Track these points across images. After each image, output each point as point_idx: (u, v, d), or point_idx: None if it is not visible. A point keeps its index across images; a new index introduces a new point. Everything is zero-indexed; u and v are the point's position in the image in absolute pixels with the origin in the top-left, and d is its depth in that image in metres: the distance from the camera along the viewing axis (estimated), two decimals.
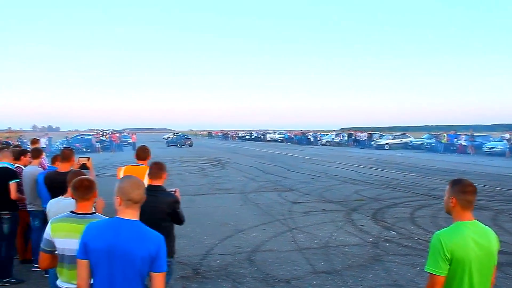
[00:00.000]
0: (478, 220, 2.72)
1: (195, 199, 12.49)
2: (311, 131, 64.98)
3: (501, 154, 30.08)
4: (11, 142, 18.48)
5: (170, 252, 4.25)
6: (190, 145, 50.06)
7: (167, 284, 4.46)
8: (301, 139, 57.06)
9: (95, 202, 4.08)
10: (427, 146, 37.78)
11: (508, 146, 30.09)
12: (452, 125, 55.00)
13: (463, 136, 34.71)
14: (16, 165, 6.82)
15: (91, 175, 6.02)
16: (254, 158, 29.92)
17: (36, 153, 7.00)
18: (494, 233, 2.76)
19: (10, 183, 6.21)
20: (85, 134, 51.59)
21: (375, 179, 17.07)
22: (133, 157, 6.05)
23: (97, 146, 40.11)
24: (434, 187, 14.52)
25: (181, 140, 52.18)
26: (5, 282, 6.06)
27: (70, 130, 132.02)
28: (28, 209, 6.61)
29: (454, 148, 33.84)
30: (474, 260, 2.56)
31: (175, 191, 4.55)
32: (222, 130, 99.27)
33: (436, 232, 2.69)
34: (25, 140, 33.93)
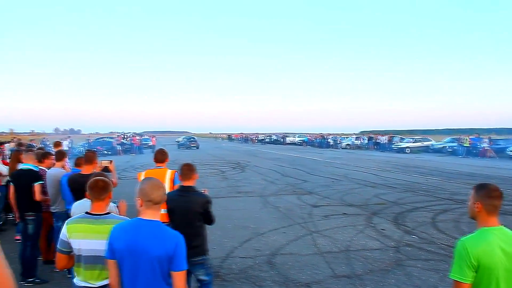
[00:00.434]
0: (503, 225, 2.67)
1: (215, 202, 12.39)
2: (330, 134, 64.56)
3: None
4: (34, 144, 18.73)
5: (204, 250, 4.36)
6: (197, 147, 52.58)
7: (211, 281, 4.52)
8: (321, 142, 56.85)
9: (116, 203, 4.14)
10: (448, 150, 37.29)
11: None
12: (474, 128, 54.20)
13: (486, 140, 34.17)
14: (40, 167, 6.94)
15: (113, 177, 6.10)
16: (273, 161, 29.89)
17: (60, 156, 7.10)
18: None
19: (35, 184, 6.33)
20: (106, 137, 52.15)
21: (396, 183, 16.89)
22: (152, 160, 6.17)
23: (118, 148, 40.51)
24: (456, 191, 14.30)
25: (187, 142, 55.81)
26: (30, 282, 6.16)
27: (91, 133, 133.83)
28: (52, 211, 6.71)
29: (477, 151, 33.31)
30: (501, 268, 2.48)
31: (204, 191, 4.60)
32: (242, 133, 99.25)
33: (461, 238, 2.62)
34: (48, 143, 34.43)
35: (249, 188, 15.73)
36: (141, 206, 2.78)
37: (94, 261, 3.21)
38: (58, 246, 3.29)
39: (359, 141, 53.09)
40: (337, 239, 8.38)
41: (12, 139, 29.76)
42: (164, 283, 2.70)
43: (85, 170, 5.75)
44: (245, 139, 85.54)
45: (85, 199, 4.37)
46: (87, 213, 3.32)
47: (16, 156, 7.88)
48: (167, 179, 5.86)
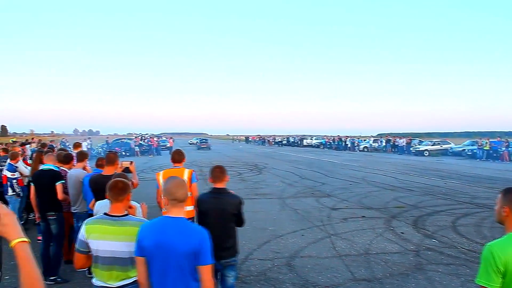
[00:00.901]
0: None
1: None
2: (348, 136, 64.15)
3: None
4: (54, 145, 18.98)
5: (236, 252, 4.39)
6: (208, 148, 55.73)
7: (235, 282, 4.54)
8: (339, 144, 56.62)
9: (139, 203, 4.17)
10: (468, 153, 36.76)
11: None
12: (494, 131, 53.32)
13: (507, 143, 33.68)
14: (61, 168, 7.02)
15: (134, 178, 6.16)
16: (291, 163, 29.83)
17: (81, 156, 7.19)
18: None
19: (56, 184, 6.42)
20: (125, 138, 52.58)
21: (415, 186, 16.72)
22: (170, 161, 6.35)
23: (136, 150, 40.82)
24: (477, 195, 14.11)
25: (199, 144, 59.26)
26: (51, 281, 6.24)
27: (109, 134, 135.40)
28: (73, 211, 6.79)
29: (497, 155, 32.82)
30: None
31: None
32: (259, 135, 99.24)
33: (488, 243, 2.57)
34: (67, 144, 34.89)
35: (267, 190, 15.72)
36: (167, 204, 2.86)
37: (111, 262, 3.24)
38: (76, 245, 3.33)
39: (377, 144, 52.67)
40: (356, 242, 8.34)
41: (32, 139, 30.25)
42: (191, 278, 2.78)
43: (107, 171, 5.81)
44: (262, 141, 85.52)
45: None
46: (105, 214, 3.36)
47: (38, 157, 7.99)
48: (185, 179, 6.05)
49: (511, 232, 2.55)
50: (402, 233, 9.01)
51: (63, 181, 6.64)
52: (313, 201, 13.10)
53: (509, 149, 32.72)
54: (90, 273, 6.03)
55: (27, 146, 18.42)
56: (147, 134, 60.59)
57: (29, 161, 10.08)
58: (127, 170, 6.16)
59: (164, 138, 59.58)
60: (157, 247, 2.77)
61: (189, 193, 6.36)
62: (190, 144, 73.04)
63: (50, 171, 6.68)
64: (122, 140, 47.71)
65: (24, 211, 9.35)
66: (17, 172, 8.91)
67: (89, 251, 3.28)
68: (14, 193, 8.77)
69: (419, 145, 44.03)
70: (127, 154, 38.27)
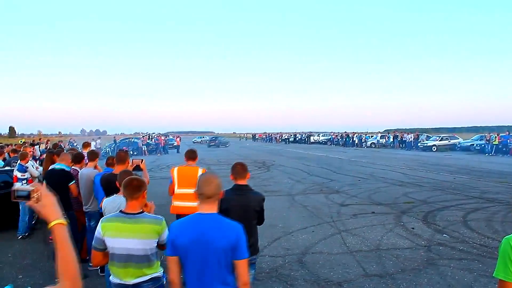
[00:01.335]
0: None
1: None
2: (355, 132, 64.06)
3: None
4: (62, 145, 19.11)
5: (256, 250, 4.40)
6: (216, 146, 58.05)
7: (253, 281, 4.56)
8: (346, 141, 56.51)
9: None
10: (476, 148, 36.57)
11: None
12: (502, 126, 52.94)
13: None
14: (72, 167, 7.07)
15: (144, 176, 6.18)
16: (299, 160, 29.82)
17: (92, 156, 7.22)
18: None
19: (70, 185, 6.48)
20: (132, 138, 52.71)
21: (424, 181, 16.67)
22: (183, 159, 6.56)
23: (143, 149, 40.93)
24: (487, 190, 14.04)
25: (212, 141, 61.36)
26: None
27: (116, 134, 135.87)
28: (84, 210, 6.83)
29: (507, 149, 32.61)
30: None
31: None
32: (266, 133, 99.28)
33: (506, 237, 2.54)
34: (75, 144, 35.07)
35: (275, 187, 15.72)
36: (198, 200, 2.89)
37: (127, 259, 3.26)
38: (93, 243, 3.36)
39: (384, 140, 52.53)
40: (366, 238, 8.32)
41: (40, 140, 30.40)
42: (227, 272, 2.79)
43: (117, 169, 5.83)
44: (269, 138, 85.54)
45: (115, 195, 4.46)
46: (121, 211, 3.38)
47: (49, 157, 8.05)
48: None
49: None
50: (413, 228, 8.99)
51: (74, 181, 6.69)
52: (322, 198, 13.09)
53: None
54: (102, 271, 6.08)
55: (36, 146, 18.57)
56: (153, 133, 60.74)
57: (36, 162, 10.11)
58: (137, 168, 6.19)
59: (171, 137, 59.70)
60: (194, 244, 2.75)
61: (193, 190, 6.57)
62: (194, 142, 75.03)
63: (61, 171, 6.73)
64: (130, 140, 47.81)
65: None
66: (27, 173, 8.96)
67: (106, 249, 3.30)
68: None
69: (427, 140, 43.83)
70: (135, 153, 38.37)
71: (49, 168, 7.17)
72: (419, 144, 42.85)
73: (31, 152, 11.78)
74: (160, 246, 3.38)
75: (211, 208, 2.86)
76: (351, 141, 55.47)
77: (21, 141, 27.45)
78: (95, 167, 7.26)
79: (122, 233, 3.26)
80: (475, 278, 6.04)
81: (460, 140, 42.16)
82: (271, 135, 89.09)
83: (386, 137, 53.23)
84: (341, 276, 6.26)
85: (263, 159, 31.31)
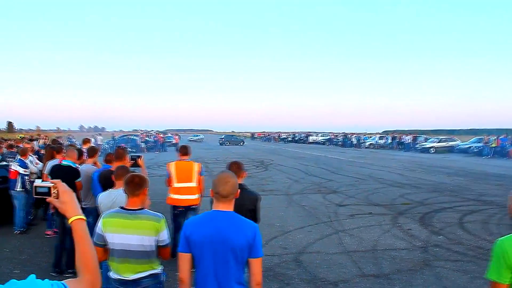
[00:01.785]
0: None
1: None
2: (353, 133, 64.15)
3: None
4: (61, 141, 19.12)
5: None
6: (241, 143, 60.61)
7: None
8: (345, 141, 56.58)
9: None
10: (474, 150, 36.56)
11: None
12: (501, 129, 52.98)
13: None
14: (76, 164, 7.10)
15: (143, 172, 6.20)
16: (297, 160, 29.86)
17: (92, 152, 7.24)
18: None
19: (76, 181, 6.51)
20: (131, 135, 52.72)
21: (421, 183, 16.71)
22: (177, 155, 7.25)
23: (142, 146, 40.93)
24: (484, 192, 14.09)
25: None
26: (70, 273, 6.26)
27: (115, 131, 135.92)
28: (83, 206, 6.83)
29: (505, 152, 32.64)
30: None
31: None
32: (264, 132, 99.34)
33: (499, 239, 2.57)
34: (74, 140, 35.09)
35: (273, 187, 15.76)
36: (214, 198, 2.86)
37: (126, 255, 3.29)
38: (94, 239, 3.37)
39: (383, 141, 52.60)
40: (363, 238, 8.35)
41: (38, 135, 30.37)
42: (242, 270, 2.79)
43: (116, 166, 5.84)
44: (268, 137, 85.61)
45: (110, 190, 4.48)
46: (121, 207, 3.40)
47: (49, 153, 8.05)
48: (195, 172, 6.93)
49: None
50: (409, 229, 9.02)
51: (80, 178, 6.71)
52: (320, 198, 13.12)
53: None
54: (100, 267, 6.09)
55: (35, 142, 18.57)
56: (152, 130, 60.75)
57: (34, 157, 10.06)
58: (135, 163, 6.22)
59: (170, 135, 59.76)
60: (209, 241, 2.72)
61: (192, 183, 6.92)
62: (190, 141, 73.16)
63: (68, 167, 6.74)
64: (129, 137, 47.81)
65: (32, 206, 9.39)
66: (29, 168, 8.92)
67: (106, 244, 3.33)
68: (24, 189, 8.70)
69: (425, 142, 43.89)
70: (134, 150, 38.34)
71: (55, 164, 7.16)
72: (417, 146, 42.88)
73: (31, 148, 11.77)
74: (160, 248, 3.39)
75: (227, 207, 2.83)
76: (349, 142, 55.55)
77: (20, 137, 27.46)
78: (95, 164, 7.27)
79: (122, 229, 3.28)
80: (470, 280, 6.07)
81: (459, 142, 42.18)
82: (270, 134, 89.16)
83: (385, 138, 53.36)
84: (337, 276, 6.29)
85: (261, 158, 31.39)
